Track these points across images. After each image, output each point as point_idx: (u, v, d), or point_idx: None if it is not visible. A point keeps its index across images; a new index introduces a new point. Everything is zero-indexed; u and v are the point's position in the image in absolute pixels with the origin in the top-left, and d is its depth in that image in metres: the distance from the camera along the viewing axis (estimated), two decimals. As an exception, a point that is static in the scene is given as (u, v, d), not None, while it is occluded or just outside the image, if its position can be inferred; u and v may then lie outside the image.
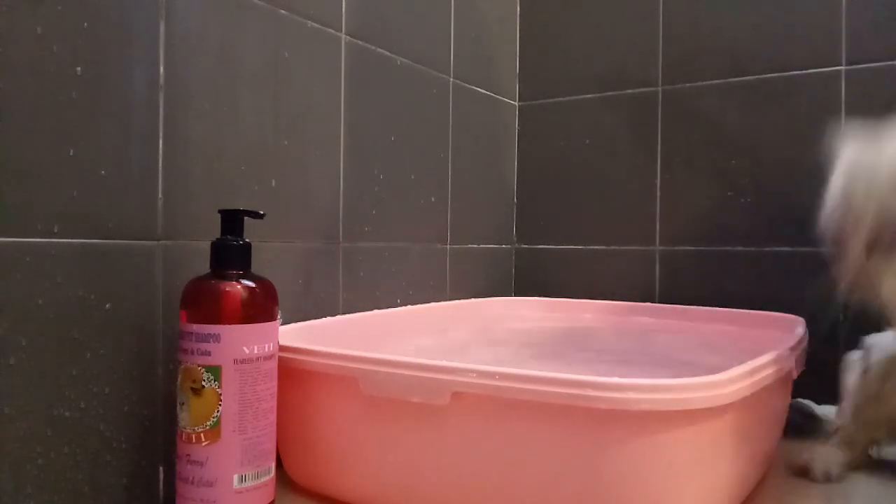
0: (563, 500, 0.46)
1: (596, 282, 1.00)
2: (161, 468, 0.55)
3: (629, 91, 0.99)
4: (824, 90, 0.85)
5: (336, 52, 0.74)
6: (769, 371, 0.50)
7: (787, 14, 0.88)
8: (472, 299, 0.95)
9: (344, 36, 0.75)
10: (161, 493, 0.55)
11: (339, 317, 0.73)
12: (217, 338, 0.48)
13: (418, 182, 0.87)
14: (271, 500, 0.52)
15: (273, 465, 0.52)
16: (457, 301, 0.92)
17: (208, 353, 0.48)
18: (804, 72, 0.87)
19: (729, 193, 0.91)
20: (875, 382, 0.61)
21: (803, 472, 0.62)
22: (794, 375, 0.60)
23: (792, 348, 0.57)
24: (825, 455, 0.62)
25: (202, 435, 0.48)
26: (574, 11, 1.04)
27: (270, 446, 0.51)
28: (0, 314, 0.45)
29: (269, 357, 0.51)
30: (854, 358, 0.65)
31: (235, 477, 0.49)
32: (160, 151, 0.55)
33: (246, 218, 0.52)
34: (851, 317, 0.73)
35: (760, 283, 0.88)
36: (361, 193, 0.78)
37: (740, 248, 0.90)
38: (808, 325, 0.68)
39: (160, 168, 0.55)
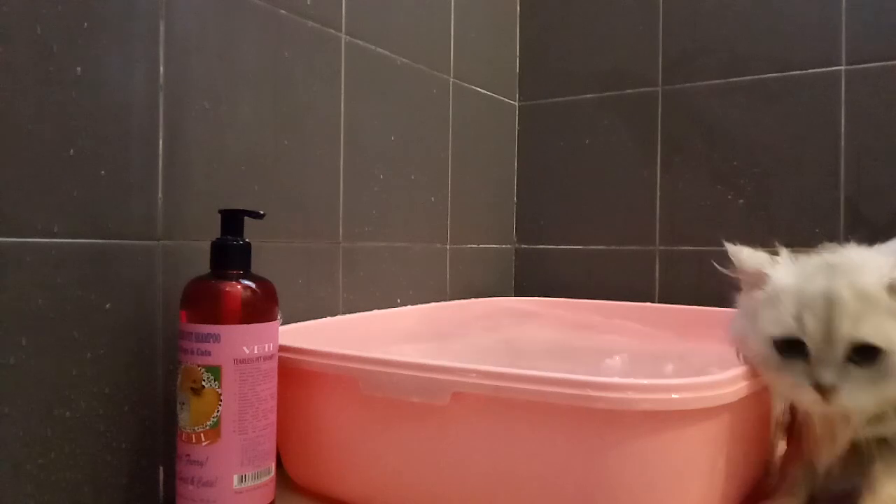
0: (563, 500, 0.46)
1: (596, 282, 1.00)
2: (161, 468, 0.55)
3: (629, 91, 0.99)
4: (824, 90, 0.85)
5: (336, 52, 0.74)
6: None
7: (786, 14, 0.88)
8: (472, 299, 0.95)
9: (344, 36, 0.75)
10: (161, 493, 0.55)
11: (339, 317, 0.73)
12: (217, 338, 0.48)
13: (418, 182, 0.87)
14: (271, 500, 0.52)
15: (273, 465, 0.52)
16: (457, 301, 0.92)
17: (208, 353, 0.48)
18: (804, 72, 0.87)
19: (729, 195, 0.91)
20: None
21: None
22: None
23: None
24: None
25: (202, 435, 0.48)
26: (574, 12, 1.04)
27: (270, 446, 0.51)
28: (0, 314, 0.45)
29: (269, 357, 0.51)
30: None
31: (235, 477, 0.49)
32: (160, 151, 0.55)
33: (246, 218, 0.52)
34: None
35: (760, 284, 0.87)
36: (361, 193, 0.78)
37: (740, 249, 0.89)
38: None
39: (160, 168, 0.55)
